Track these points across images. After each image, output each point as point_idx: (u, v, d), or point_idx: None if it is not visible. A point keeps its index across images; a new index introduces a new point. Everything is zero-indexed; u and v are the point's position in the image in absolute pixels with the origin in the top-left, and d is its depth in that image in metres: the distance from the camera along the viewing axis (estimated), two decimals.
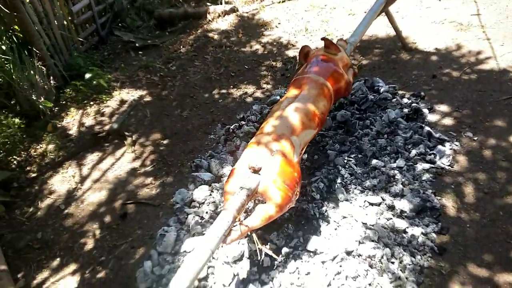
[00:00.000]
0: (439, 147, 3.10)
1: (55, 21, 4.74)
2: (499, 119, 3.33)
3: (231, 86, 4.54)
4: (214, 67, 4.99)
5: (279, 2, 6.45)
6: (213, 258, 2.46)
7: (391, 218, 2.59)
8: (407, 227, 2.52)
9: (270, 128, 2.46)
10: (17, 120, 3.81)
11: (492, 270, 2.30)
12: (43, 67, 4.36)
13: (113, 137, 3.92)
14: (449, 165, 2.98)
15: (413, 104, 3.54)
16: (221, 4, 6.48)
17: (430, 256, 2.39)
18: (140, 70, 5.13)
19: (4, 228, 3.06)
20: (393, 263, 2.34)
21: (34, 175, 3.55)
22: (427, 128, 3.27)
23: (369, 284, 2.23)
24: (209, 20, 6.20)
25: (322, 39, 3.09)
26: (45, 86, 4.31)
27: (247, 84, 4.54)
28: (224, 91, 4.48)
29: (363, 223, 2.56)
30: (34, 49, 4.29)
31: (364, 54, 4.66)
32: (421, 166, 2.97)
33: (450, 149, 3.12)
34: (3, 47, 3.97)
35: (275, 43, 5.30)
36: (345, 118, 3.46)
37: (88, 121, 4.22)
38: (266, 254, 2.31)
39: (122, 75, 5.06)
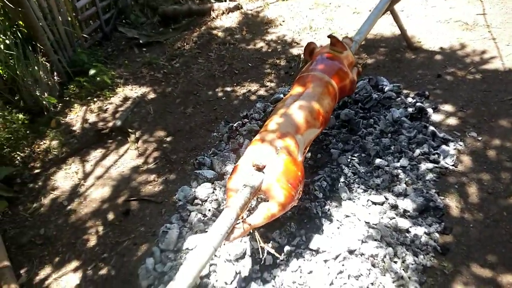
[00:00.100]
0: (443, 146, 3.09)
1: (59, 17, 4.74)
2: (504, 119, 3.31)
3: (235, 84, 4.54)
4: (217, 64, 4.98)
5: (284, 0, 6.43)
6: (215, 255, 2.46)
7: (394, 218, 2.58)
8: (410, 227, 2.51)
9: (275, 126, 2.45)
10: (21, 116, 3.82)
11: (495, 271, 2.28)
12: (47, 63, 4.37)
13: (117, 134, 3.93)
14: (453, 165, 2.97)
15: (418, 104, 3.51)
16: (225, 1, 6.47)
17: (433, 256, 2.38)
18: (144, 67, 5.13)
19: (7, 224, 3.07)
20: (395, 262, 2.33)
21: (37, 171, 3.56)
22: (431, 128, 3.25)
23: (372, 284, 2.22)
24: (213, 17, 6.19)
25: (329, 36, 3.07)
26: (49, 82, 4.32)
27: (250, 82, 4.53)
28: (227, 88, 4.48)
29: (366, 222, 2.55)
30: (38, 44, 4.30)
31: (369, 53, 4.63)
32: (424, 165, 2.96)
33: (454, 149, 3.10)
34: (7, 42, 3.98)
35: (279, 41, 5.28)
36: (349, 116, 3.45)
37: (92, 117, 4.22)
38: (268, 253, 2.31)
39: (125, 72, 5.06)
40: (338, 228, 2.55)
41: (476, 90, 3.70)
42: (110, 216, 3.05)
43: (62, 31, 4.80)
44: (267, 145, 2.31)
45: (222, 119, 3.93)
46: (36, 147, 3.81)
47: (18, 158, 3.66)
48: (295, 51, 4.97)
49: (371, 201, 2.70)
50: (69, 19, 4.98)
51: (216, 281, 2.34)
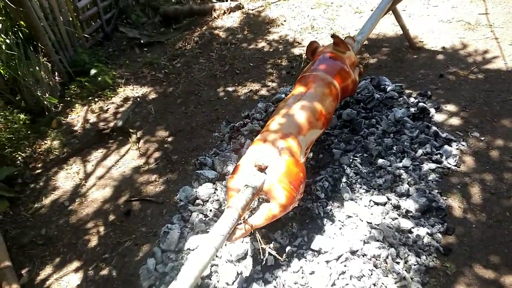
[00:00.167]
0: (446, 147, 3.07)
1: (61, 17, 4.75)
2: (506, 119, 3.29)
3: (236, 84, 4.53)
4: (219, 64, 4.98)
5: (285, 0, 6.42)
6: (216, 256, 2.45)
7: (397, 218, 2.57)
8: (413, 227, 2.50)
9: (277, 126, 2.45)
10: (22, 116, 3.82)
11: (498, 272, 2.27)
12: (48, 63, 4.37)
13: (118, 134, 3.93)
14: (455, 165, 2.95)
15: (420, 104, 3.50)
16: (226, 1, 6.46)
17: (435, 256, 2.37)
18: (145, 67, 5.13)
19: (8, 224, 3.07)
20: (398, 263, 2.32)
21: (38, 171, 3.56)
22: (433, 128, 3.23)
23: (374, 284, 2.21)
24: (215, 17, 6.19)
25: (332, 36, 3.05)
26: (50, 82, 4.32)
27: (252, 81, 4.52)
28: (229, 88, 4.47)
29: (368, 223, 2.54)
30: (40, 44, 4.30)
31: (371, 53, 4.62)
32: (427, 166, 2.95)
33: (457, 149, 3.09)
34: (9, 42, 3.98)
35: (280, 41, 5.27)
36: (351, 116, 3.43)
37: (93, 117, 4.22)
38: (270, 253, 2.30)
39: (126, 72, 5.06)
40: (340, 228, 2.54)
41: (478, 90, 3.68)
42: (111, 216, 3.04)
43: (63, 31, 4.80)
44: (269, 146, 2.30)
45: (223, 119, 3.92)
46: (37, 147, 3.81)
47: (20, 158, 3.66)
48: (296, 51, 4.96)
49: (373, 202, 2.69)
50: (70, 19, 4.99)
51: (218, 281, 2.33)
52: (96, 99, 4.49)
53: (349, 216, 2.61)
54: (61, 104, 4.40)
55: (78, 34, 5.17)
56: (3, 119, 3.69)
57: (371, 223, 2.54)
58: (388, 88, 3.77)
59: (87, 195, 3.27)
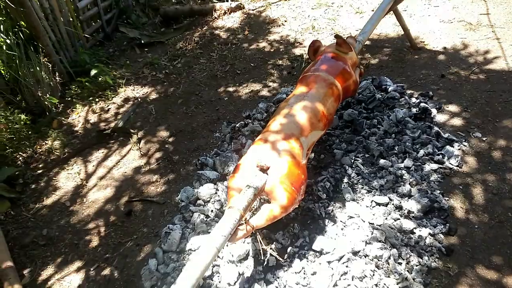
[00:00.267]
0: (448, 147, 3.07)
1: (61, 17, 4.75)
2: (508, 120, 3.29)
3: (237, 84, 4.52)
4: (219, 64, 4.97)
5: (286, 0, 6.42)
6: (218, 256, 2.45)
7: (399, 219, 2.56)
8: (415, 228, 2.49)
9: (278, 127, 2.44)
10: (23, 116, 3.82)
11: (500, 272, 2.26)
12: (48, 63, 4.36)
13: (119, 135, 3.92)
14: (457, 166, 2.95)
15: (421, 104, 3.50)
16: (227, 1, 6.46)
17: (437, 257, 2.37)
18: (145, 67, 5.13)
19: (10, 224, 3.06)
20: (400, 263, 2.31)
21: (39, 171, 3.56)
22: (435, 128, 3.23)
23: (376, 285, 2.20)
24: (215, 17, 6.18)
25: (335, 36, 3.04)
26: (51, 83, 4.32)
27: (253, 82, 4.52)
28: (229, 89, 4.46)
29: (370, 223, 2.54)
30: (40, 45, 4.30)
31: (372, 53, 4.61)
32: (429, 166, 2.94)
33: (459, 149, 3.09)
34: (9, 42, 3.97)
35: (281, 41, 5.27)
36: (352, 117, 3.43)
37: (94, 118, 4.22)
38: (271, 254, 2.29)
39: (127, 72, 5.05)
40: (342, 229, 2.54)
41: (480, 90, 3.67)
42: (113, 216, 3.04)
43: (64, 32, 4.80)
44: (271, 146, 2.30)
45: (224, 120, 3.91)
46: (38, 147, 3.81)
47: (20, 158, 3.66)
48: (297, 51, 4.95)
49: (375, 202, 2.68)
50: (71, 19, 4.99)
51: (219, 282, 2.33)
52: (97, 100, 4.49)
53: (351, 217, 2.61)
54: (62, 105, 4.40)
55: (79, 34, 5.17)
56: (4, 119, 3.69)
57: (373, 223, 2.53)
58: (390, 89, 3.76)
59: (88, 196, 3.27)
